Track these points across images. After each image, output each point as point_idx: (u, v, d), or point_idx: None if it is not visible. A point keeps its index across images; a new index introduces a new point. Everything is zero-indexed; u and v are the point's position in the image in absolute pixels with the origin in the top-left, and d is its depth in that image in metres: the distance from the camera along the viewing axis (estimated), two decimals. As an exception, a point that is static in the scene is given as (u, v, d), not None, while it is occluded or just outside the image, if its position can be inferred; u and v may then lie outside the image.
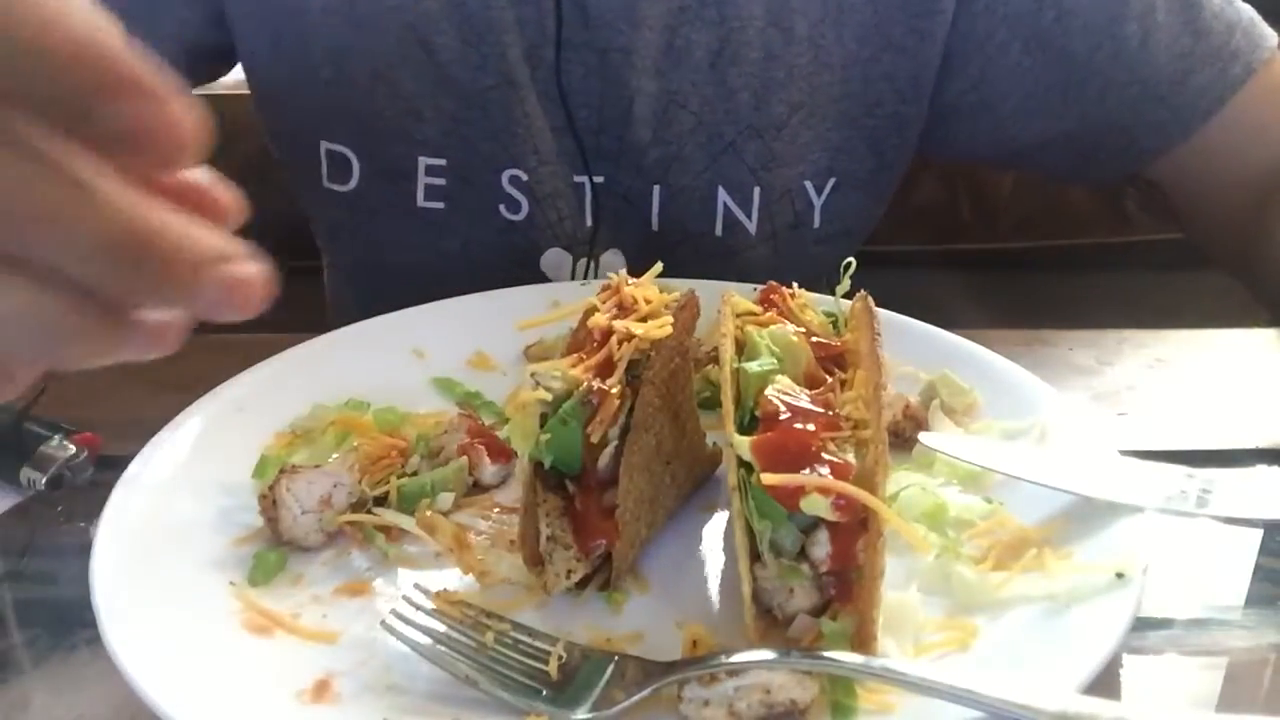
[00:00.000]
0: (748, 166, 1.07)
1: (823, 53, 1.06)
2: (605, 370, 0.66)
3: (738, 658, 0.56)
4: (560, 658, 0.59)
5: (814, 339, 0.71)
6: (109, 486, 0.70)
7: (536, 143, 1.05)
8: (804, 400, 0.64)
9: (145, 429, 0.75)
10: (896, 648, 0.60)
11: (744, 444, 0.61)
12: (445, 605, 0.61)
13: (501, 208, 1.07)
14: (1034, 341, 0.97)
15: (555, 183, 1.07)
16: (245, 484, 0.74)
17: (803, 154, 1.08)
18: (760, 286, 0.77)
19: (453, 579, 0.68)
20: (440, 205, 1.08)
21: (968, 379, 0.82)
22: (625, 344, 0.67)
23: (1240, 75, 1.05)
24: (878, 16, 1.05)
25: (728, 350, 0.68)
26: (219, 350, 0.97)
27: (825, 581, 0.61)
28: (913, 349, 0.85)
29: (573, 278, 1.10)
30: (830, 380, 0.67)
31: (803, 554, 0.61)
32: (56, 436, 0.79)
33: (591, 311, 0.71)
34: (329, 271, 1.25)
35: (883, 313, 0.72)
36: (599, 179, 1.07)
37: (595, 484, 0.66)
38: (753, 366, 0.66)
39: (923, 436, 0.76)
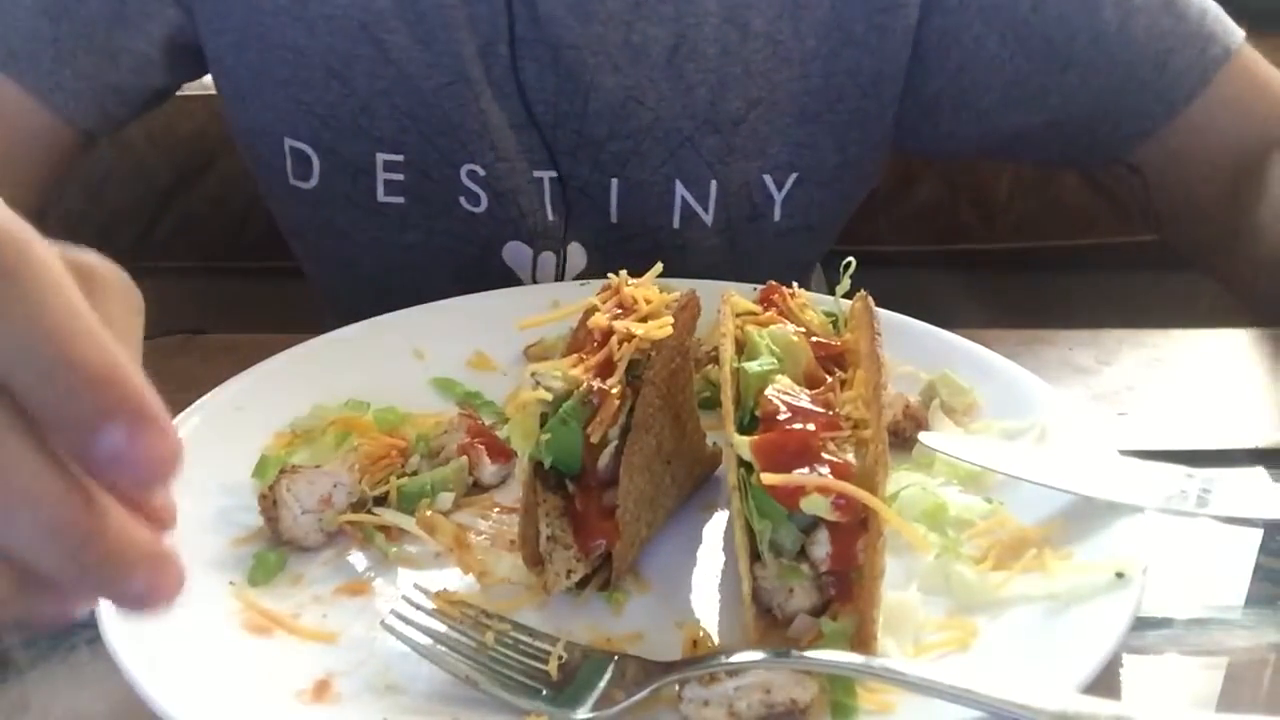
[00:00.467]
0: (704, 161, 1.08)
1: (781, 49, 1.06)
2: (605, 370, 0.66)
3: (738, 658, 0.56)
4: (560, 658, 0.59)
5: (814, 339, 0.71)
6: (109, 486, 0.70)
7: (494, 138, 1.06)
8: (804, 400, 0.64)
9: (145, 429, 0.75)
10: (896, 648, 0.60)
11: (744, 444, 0.61)
12: (445, 605, 0.61)
13: (462, 200, 1.08)
14: (1034, 341, 0.97)
15: (514, 178, 1.08)
16: (245, 484, 0.74)
17: (762, 148, 1.08)
18: (760, 286, 0.77)
19: (453, 579, 0.68)
20: (400, 200, 1.08)
21: (968, 379, 0.82)
22: (626, 344, 0.67)
23: (1219, 55, 1.06)
24: (836, 12, 1.05)
25: (728, 350, 0.68)
26: (219, 350, 0.97)
27: (825, 581, 0.61)
28: (913, 349, 0.85)
29: (534, 270, 1.10)
30: (830, 380, 0.67)
31: (803, 554, 0.61)
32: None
33: (592, 312, 0.71)
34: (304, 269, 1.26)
35: (883, 313, 0.72)
36: (558, 173, 1.08)
37: (595, 484, 0.66)
38: (753, 366, 0.66)
39: (923, 436, 0.76)
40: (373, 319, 0.91)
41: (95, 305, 0.41)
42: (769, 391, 0.64)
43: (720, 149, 1.08)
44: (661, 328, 0.68)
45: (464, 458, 0.76)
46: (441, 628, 0.60)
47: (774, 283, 0.76)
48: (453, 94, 1.04)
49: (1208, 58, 1.05)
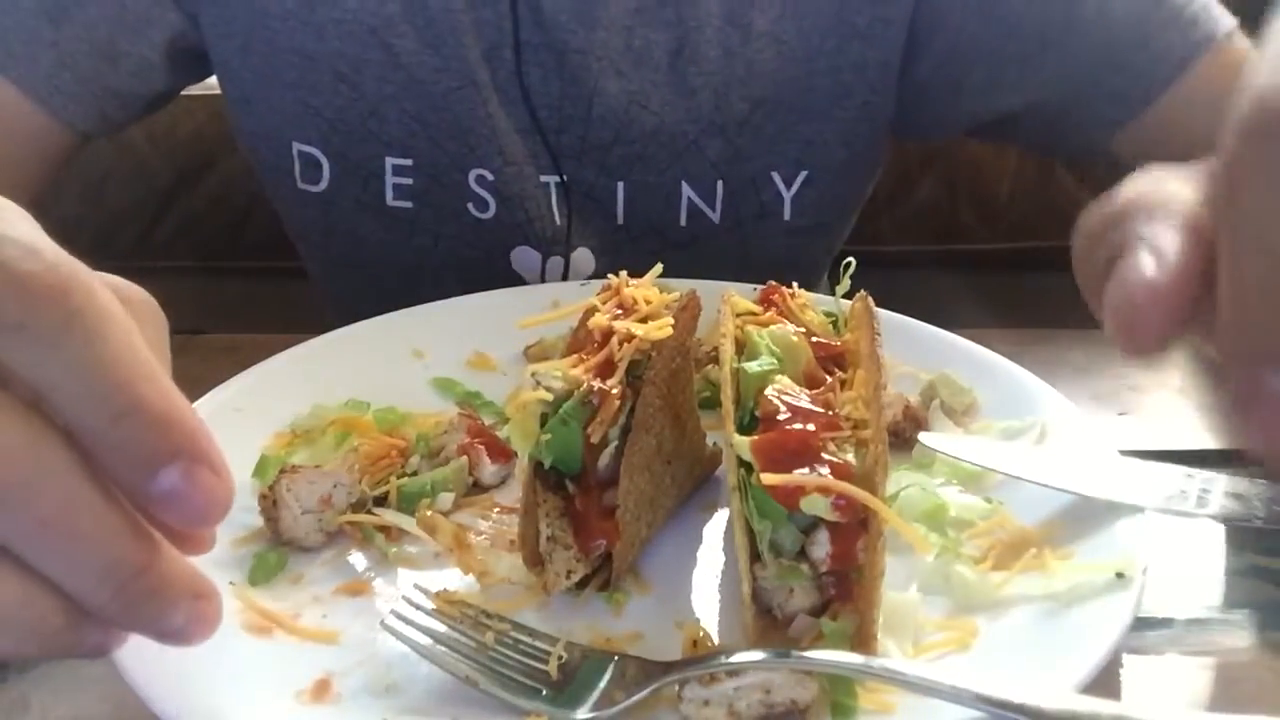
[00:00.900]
0: (710, 162, 1.08)
1: (784, 47, 1.06)
2: (606, 371, 0.66)
3: (738, 658, 0.56)
4: (560, 658, 0.59)
5: (814, 339, 0.71)
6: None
7: (502, 143, 1.06)
8: (804, 400, 0.64)
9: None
10: (896, 648, 0.60)
11: (744, 444, 0.61)
12: (445, 605, 0.61)
13: (470, 207, 1.08)
14: (1034, 341, 0.97)
15: (522, 183, 1.08)
16: (245, 484, 0.74)
17: (768, 147, 1.08)
18: (760, 286, 0.77)
19: (453, 579, 0.68)
20: (409, 205, 1.08)
21: (968, 379, 0.82)
22: (626, 344, 0.67)
23: (1201, 42, 1.04)
24: (839, 7, 1.05)
25: (728, 350, 0.68)
26: (219, 350, 0.97)
27: (825, 581, 0.61)
28: (913, 349, 0.85)
29: (543, 275, 1.10)
30: (830, 380, 0.67)
31: (803, 554, 0.61)
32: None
33: (592, 312, 0.71)
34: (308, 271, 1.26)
35: (883, 313, 0.72)
36: (564, 177, 1.07)
37: (595, 484, 0.66)
38: (753, 366, 0.66)
39: (923, 436, 0.76)
40: (373, 319, 0.91)
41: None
42: (769, 391, 0.64)
43: (726, 150, 1.08)
44: (661, 328, 0.68)
45: (464, 458, 0.76)
46: (441, 628, 0.60)
47: (774, 283, 0.76)
48: (462, 98, 1.05)
49: (1188, 43, 1.04)
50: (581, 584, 0.66)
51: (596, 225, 1.10)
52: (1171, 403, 0.90)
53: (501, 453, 0.77)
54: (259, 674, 0.60)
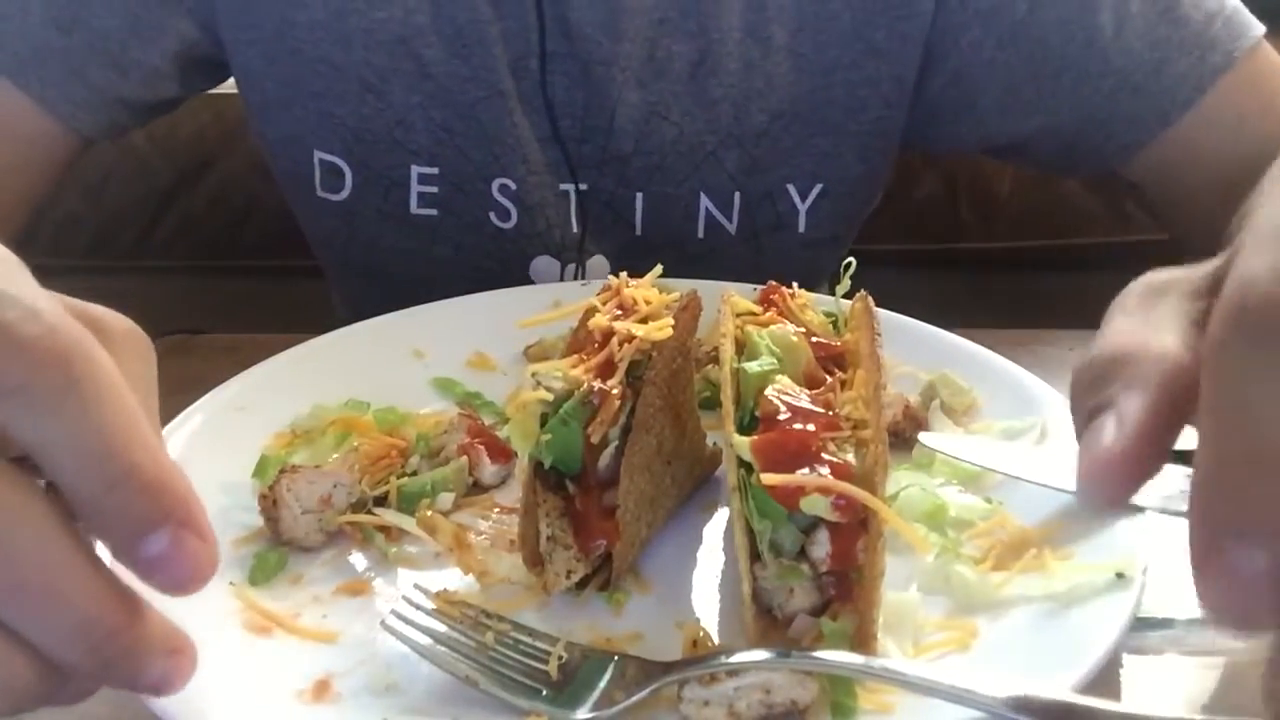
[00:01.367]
0: (728, 174, 1.08)
1: (802, 61, 1.06)
2: (606, 371, 0.66)
3: (738, 658, 0.56)
4: (560, 658, 0.59)
5: (814, 339, 0.71)
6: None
7: (525, 152, 1.06)
8: (804, 400, 0.64)
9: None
10: (896, 648, 0.60)
11: (744, 444, 0.61)
12: (445, 605, 0.61)
13: (492, 216, 1.08)
14: (1034, 341, 0.96)
15: (543, 192, 1.08)
16: (245, 484, 0.74)
17: (785, 159, 1.08)
18: (760, 286, 0.77)
19: (453, 579, 0.68)
20: (433, 213, 1.08)
21: (968, 379, 0.82)
22: (626, 345, 0.67)
23: (1220, 64, 1.04)
24: (857, 24, 1.05)
25: (728, 350, 0.68)
26: (219, 350, 0.97)
27: (825, 581, 0.61)
28: (913, 349, 0.85)
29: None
30: (830, 380, 0.67)
31: (803, 554, 0.61)
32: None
33: (592, 312, 0.71)
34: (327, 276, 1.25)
35: (883, 313, 0.72)
36: (583, 187, 1.08)
37: (595, 484, 0.66)
38: (753, 366, 0.66)
39: (923, 436, 0.76)
40: (373, 319, 0.91)
41: (114, 361, 0.43)
42: (769, 392, 0.64)
43: (744, 162, 1.08)
44: (661, 329, 0.68)
45: (464, 458, 0.76)
46: (441, 628, 0.60)
47: (774, 283, 0.76)
48: (489, 107, 1.05)
49: (1206, 66, 1.04)
50: (581, 584, 0.66)
51: (614, 235, 1.10)
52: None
53: (501, 453, 0.77)
54: (259, 674, 0.60)
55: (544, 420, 0.66)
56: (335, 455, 0.77)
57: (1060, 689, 0.54)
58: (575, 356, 0.68)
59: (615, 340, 0.67)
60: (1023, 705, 0.51)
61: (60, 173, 1.09)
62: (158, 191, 1.71)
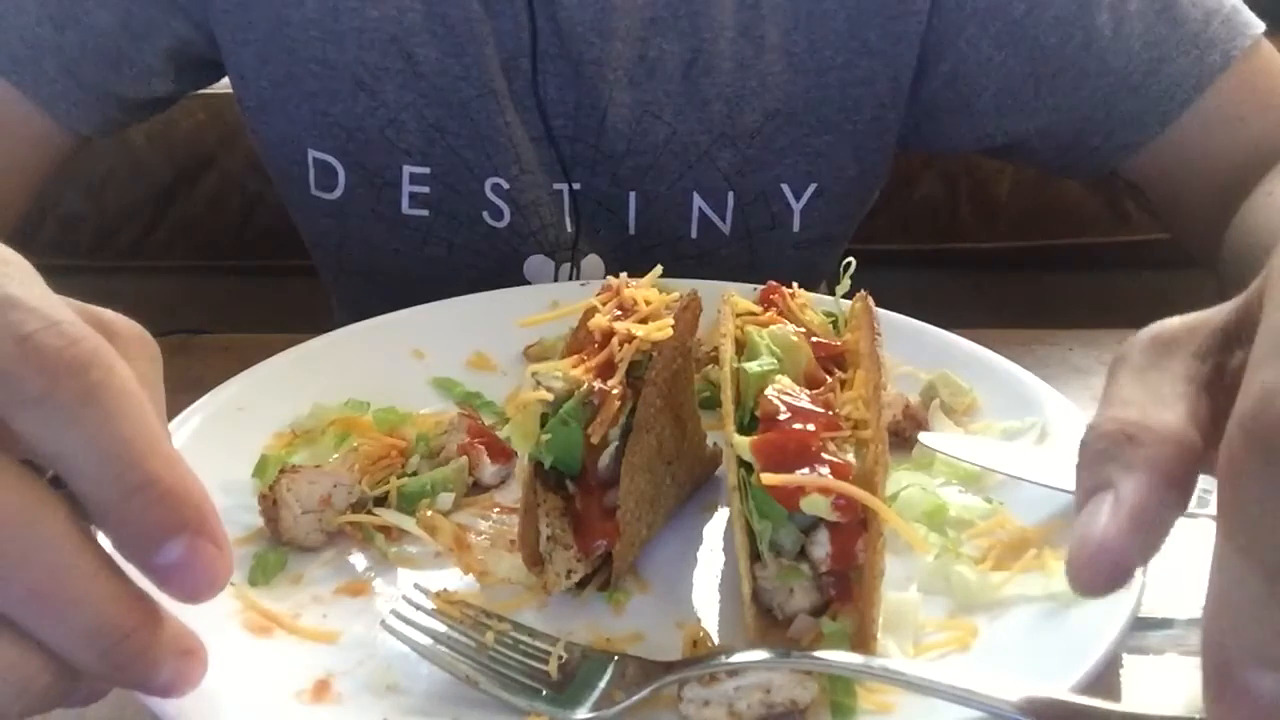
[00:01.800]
0: (721, 173, 1.08)
1: (796, 60, 1.06)
2: (606, 371, 0.66)
3: (738, 658, 0.56)
4: (560, 658, 0.59)
5: (814, 339, 0.71)
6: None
7: (518, 151, 1.06)
8: (804, 400, 0.64)
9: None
10: (896, 648, 0.60)
11: (744, 444, 0.61)
12: (445, 605, 0.61)
13: (485, 215, 1.08)
14: (1034, 341, 0.97)
15: (536, 191, 1.08)
16: (245, 484, 0.74)
17: (779, 159, 1.08)
18: (760, 286, 0.77)
19: (453, 579, 0.68)
20: (425, 213, 1.08)
21: (968, 379, 0.82)
22: (626, 345, 0.67)
23: (1218, 63, 1.03)
24: (851, 22, 1.05)
25: (728, 350, 0.68)
26: (219, 350, 0.97)
27: (825, 581, 0.61)
28: (913, 349, 0.85)
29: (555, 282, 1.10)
30: (830, 380, 0.67)
31: (803, 554, 0.61)
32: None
33: (591, 313, 0.71)
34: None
35: (883, 313, 0.72)
36: (577, 186, 1.08)
37: (596, 484, 0.66)
38: (753, 366, 0.66)
39: (923, 436, 0.76)
40: (373, 319, 0.91)
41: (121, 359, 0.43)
42: (769, 392, 0.64)
43: (737, 161, 1.07)
44: (662, 329, 0.68)
45: (464, 458, 0.76)
46: (441, 628, 0.60)
47: (774, 283, 0.76)
48: (481, 106, 1.05)
49: (1204, 65, 1.03)
50: (581, 584, 0.66)
51: (608, 235, 1.10)
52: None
53: (501, 453, 0.77)
54: (259, 674, 0.60)
55: (544, 420, 0.66)
56: (335, 455, 0.77)
57: (1060, 689, 0.54)
58: (575, 357, 0.68)
59: (615, 340, 0.67)
60: (1022, 705, 0.51)
61: (55, 170, 1.09)
62: (157, 191, 1.71)
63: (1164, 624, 0.66)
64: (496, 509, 0.75)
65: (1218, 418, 0.42)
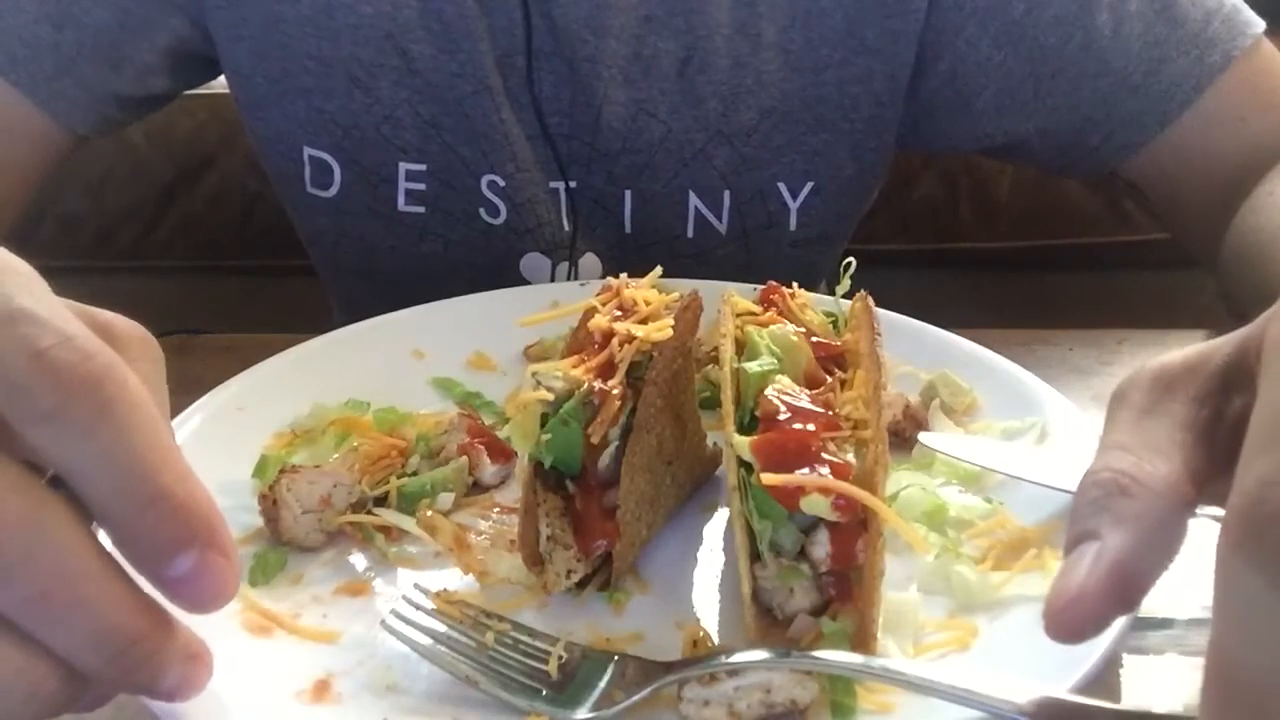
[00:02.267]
0: (718, 172, 1.08)
1: (793, 58, 1.06)
2: (606, 371, 0.66)
3: (738, 658, 0.56)
4: (560, 658, 0.59)
5: (814, 339, 0.71)
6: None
7: (514, 149, 1.06)
8: (804, 400, 0.64)
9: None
10: (896, 648, 0.60)
11: (744, 444, 0.61)
12: (445, 605, 0.61)
13: (481, 212, 1.08)
14: (1034, 341, 0.97)
15: (532, 189, 1.08)
16: (245, 484, 0.74)
17: (775, 157, 1.08)
18: (760, 286, 0.77)
19: (453, 579, 0.68)
20: (421, 210, 1.08)
21: (968, 379, 0.82)
22: (626, 346, 0.67)
23: (1218, 63, 1.03)
24: (849, 20, 1.04)
25: (728, 350, 0.68)
26: (219, 350, 0.97)
27: (825, 581, 0.61)
28: (913, 349, 0.85)
29: (552, 281, 1.10)
30: (830, 380, 0.67)
31: (803, 554, 0.61)
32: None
33: (591, 313, 0.71)
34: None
35: (883, 313, 0.72)
36: (573, 184, 1.07)
37: (596, 484, 0.66)
38: (753, 366, 0.66)
39: (923, 436, 0.76)
40: (373, 319, 0.91)
41: (126, 364, 0.43)
42: (769, 391, 0.64)
43: (733, 160, 1.07)
44: (661, 329, 0.68)
45: (464, 458, 0.76)
46: (441, 628, 0.60)
47: (774, 283, 0.76)
48: (476, 103, 1.05)
49: (1204, 65, 1.03)
50: (581, 584, 0.66)
51: (604, 233, 1.10)
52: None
53: (501, 453, 0.77)
54: (259, 674, 0.60)
55: (544, 420, 0.66)
56: (335, 455, 0.77)
57: (1060, 689, 0.54)
58: (575, 357, 0.68)
59: (615, 341, 0.67)
60: (1022, 705, 0.51)
61: (52, 170, 1.09)
62: (157, 191, 1.71)
63: (1164, 624, 0.66)
64: (496, 509, 0.75)
65: (1215, 463, 0.43)
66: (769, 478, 0.58)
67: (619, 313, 0.71)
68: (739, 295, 0.76)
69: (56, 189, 1.65)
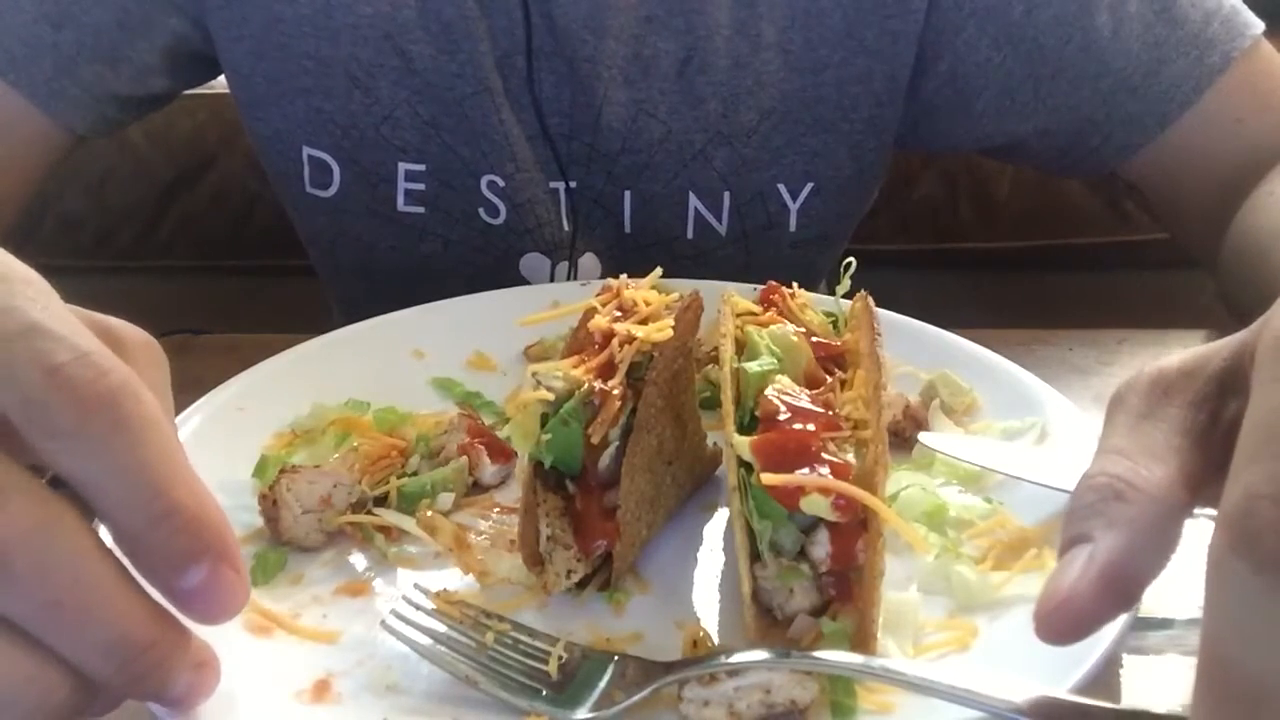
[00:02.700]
0: (717, 173, 1.08)
1: (792, 59, 1.06)
2: (607, 371, 0.66)
3: (738, 658, 0.56)
4: (560, 658, 0.59)
5: (814, 339, 0.71)
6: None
7: (513, 149, 1.06)
8: (804, 400, 0.64)
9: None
10: (896, 648, 0.60)
11: (744, 444, 0.61)
12: (445, 605, 0.61)
13: (481, 212, 1.08)
14: (1034, 341, 0.97)
15: (532, 189, 1.08)
16: (245, 484, 0.74)
17: (775, 158, 1.08)
18: (760, 286, 0.77)
19: (453, 579, 0.68)
20: (420, 210, 1.08)
21: (968, 379, 0.82)
22: (626, 346, 0.67)
23: (1217, 64, 1.03)
24: (848, 21, 1.05)
25: (728, 350, 0.68)
26: (219, 350, 0.97)
27: (825, 581, 0.61)
28: (913, 349, 0.85)
29: (552, 281, 1.10)
30: (830, 380, 0.67)
31: (803, 554, 0.61)
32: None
33: (591, 313, 0.71)
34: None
35: (883, 313, 0.72)
36: (573, 184, 1.07)
37: (596, 484, 0.66)
38: (753, 366, 0.66)
39: (923, 436, 0.76)
40: (373, 319, 0.91)
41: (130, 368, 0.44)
42: (769, 391, 0.64)
43: (733, 160, 1.07)
44: (662, 330, 0.68)
45: (464, 458, 0.76)
46: (441, 628, 0.60)
47: (774, 283, 0.76)
48: (476, 104, 1.05)
49: (1204, 66, 1.03)
50: (581, 584, 0.66)
51: (604, 233, 1.10)
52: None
53: (501, 453, 0.77)
54: (259, 674, 0.60)
55: (544, 420, 0.66)
56: (335, 455, 0.77)
57: (1060, 689, 0.54)
58: (576, 357, 0.68)
59: (616, 341, 0.67)
60: (1022, 705, 0.51)
61: (52, 170, 1.09)
62: (158, 191, 1.71)
63: (1164, 624, 0.66)
64: (496, 509, 0.75)
65: (1211, 467, 0.43)
66: (769, 478, 0.58)
67: (619, 313, 0.71)
68: (739, 295, 0.76)
69: (56, 189, 1.65)
